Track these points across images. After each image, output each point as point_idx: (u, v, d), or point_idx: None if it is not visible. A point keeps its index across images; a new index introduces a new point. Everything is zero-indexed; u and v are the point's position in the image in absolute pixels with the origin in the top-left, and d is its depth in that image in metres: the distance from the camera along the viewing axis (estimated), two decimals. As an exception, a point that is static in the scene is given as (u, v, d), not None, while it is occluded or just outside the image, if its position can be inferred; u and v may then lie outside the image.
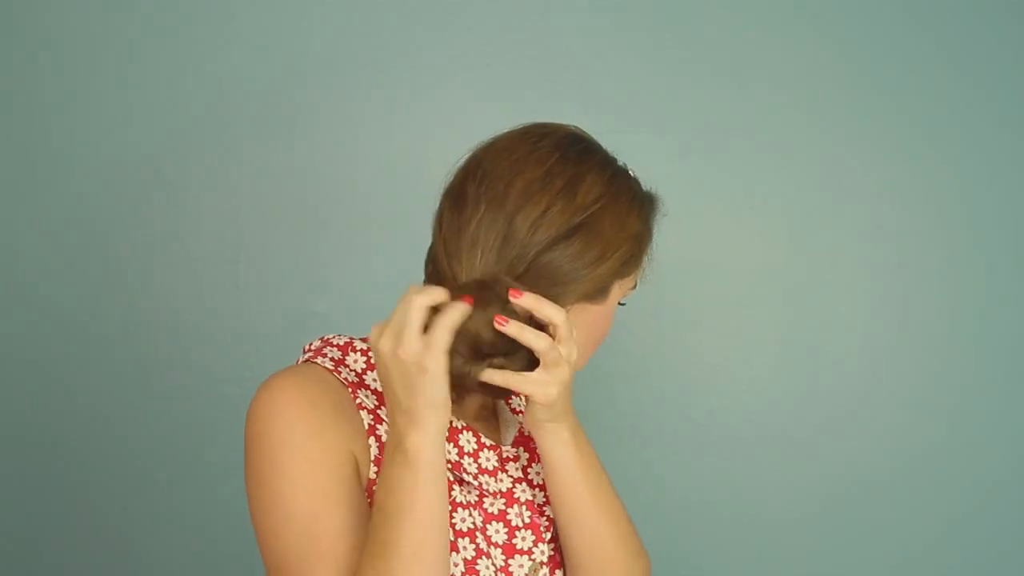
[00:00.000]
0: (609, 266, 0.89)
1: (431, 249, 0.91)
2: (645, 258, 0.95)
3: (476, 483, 0.91)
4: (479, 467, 0.92)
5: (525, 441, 0.99)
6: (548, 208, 0.86)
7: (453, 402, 0.82)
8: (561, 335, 0.81)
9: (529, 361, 0.83)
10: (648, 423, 1.67)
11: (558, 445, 0.87)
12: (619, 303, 0.96)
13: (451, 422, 0.91)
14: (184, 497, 1.67)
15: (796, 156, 1.63)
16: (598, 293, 0.91)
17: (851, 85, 1.63)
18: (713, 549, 1.68)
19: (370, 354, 0.92)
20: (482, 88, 1.62)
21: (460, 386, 0.82)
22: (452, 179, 0.91)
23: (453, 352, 0.78)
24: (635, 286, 0.97)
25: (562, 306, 0.84)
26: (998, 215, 1.64)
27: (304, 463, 0.83)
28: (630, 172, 0.94)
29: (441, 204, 0.91)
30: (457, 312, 0.78)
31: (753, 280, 1.64)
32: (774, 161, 1.63)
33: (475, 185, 0.88)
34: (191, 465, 1.65)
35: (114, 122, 1.63)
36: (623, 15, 1.62)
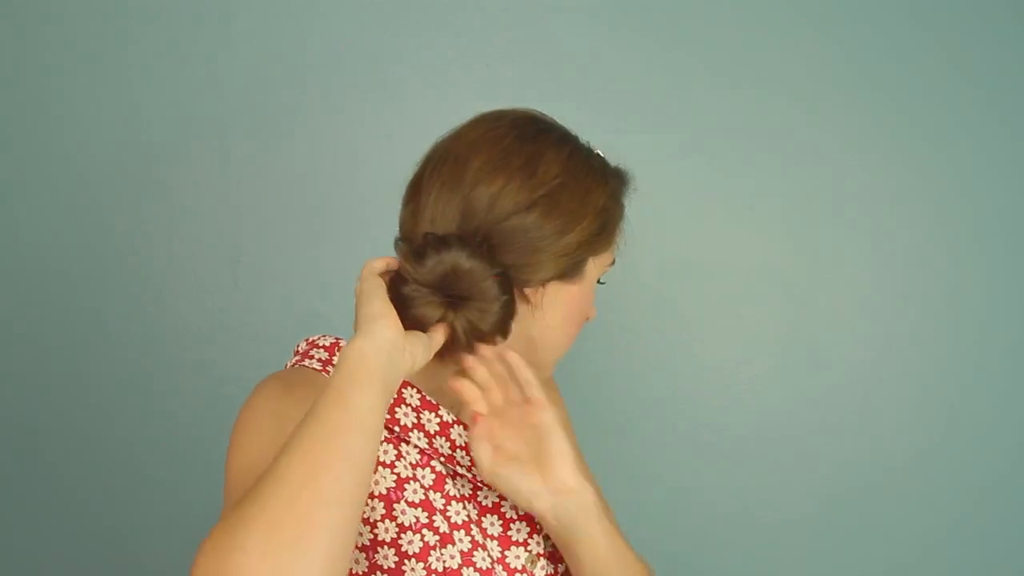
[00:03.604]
0: (574, 238, 0.89)
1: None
2: (618, 233, 0.95)
3: (469, 475, 0.91)
4: (471, 459, 0.92)
5: None
6: (506, 184, 0.87)
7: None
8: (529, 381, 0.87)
9: (501, 308, 0.85)
10: (648, 422, 1.67)
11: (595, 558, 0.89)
12: (599, 282, 0.96)
13: (441, 416, 0.91)
14: (184, 497, 1.67)
15: (796, 156, 1.63)
16: (571, 270, 0.91)
17: (851, 85, 1.63)
18: (712, 548, 1.68)
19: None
20: (482, 88, 1.61)
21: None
22: (410, 180, 0.93)
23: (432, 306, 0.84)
24: (613, 262, 0.97)
25: (537, 282, 0.88)
26: (998, 215, 1.64)
27: (271, 420, 0.81)
28: (592, 149, 0.95)
29: (402, 206, 0.93)
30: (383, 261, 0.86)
31: (753, 280, 1.64)
32: (774, 161, 1.63)
33: (430, 171, 0.90)
34: (191, 465, 1.65)
35: (114, 122, 1.63)
36: (623, 15, 1.62)
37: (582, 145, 0.94)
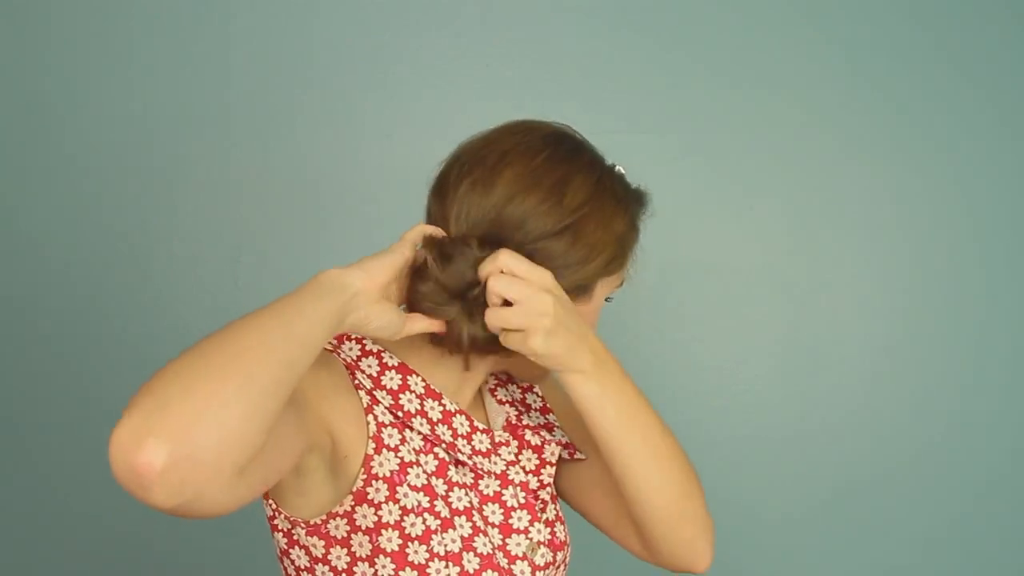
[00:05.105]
0: (593, 267, 0.90)
1: None
2: (630, 257, 0.96)
3: (471, 463, 0.92)
4: (473, 448, 0.93)
5: (513, 430, 1.00)
6: (537, 205, 0.87)
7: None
8: (515, 294, 0.83)
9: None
10: (648, 423, 1.67)
11: (581, 398, 0.88)
12: (606, 299, 0.97)
13: (444, 405, 0.92)
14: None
15: (796, 156, 1.63)
16: (580, 291, 0.91)
17: (851, 85, 1.63)
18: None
19: (364, 342, 0.93)
20: (482, 88, 1.62)
21: (461, 341, 0.85)
22: (436, 175, 0.93)
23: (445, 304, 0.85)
24: (622, 283, 0.98)
25: None
26: (998, 215, 1.64)
27: None
28: (617, 170, 0.95)
29: (427, 203, 0.93)
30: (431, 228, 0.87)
31: (753, 280, 1.64)
32: (774, 161, 1.63)
33: (458, 170, 0.90)
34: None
35: (114, 122, 1.63)
36: (623, 15, 1.62)
37: (608, 168, 0.94)
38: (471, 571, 0.89)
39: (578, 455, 1.02)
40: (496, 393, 1.03)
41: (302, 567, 0.91)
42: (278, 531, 0.92)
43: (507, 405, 1.02)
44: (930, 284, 1.65)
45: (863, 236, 1.64)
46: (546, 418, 1.03)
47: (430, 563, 0.87)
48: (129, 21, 1.62)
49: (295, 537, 0.90)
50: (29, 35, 1.62)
